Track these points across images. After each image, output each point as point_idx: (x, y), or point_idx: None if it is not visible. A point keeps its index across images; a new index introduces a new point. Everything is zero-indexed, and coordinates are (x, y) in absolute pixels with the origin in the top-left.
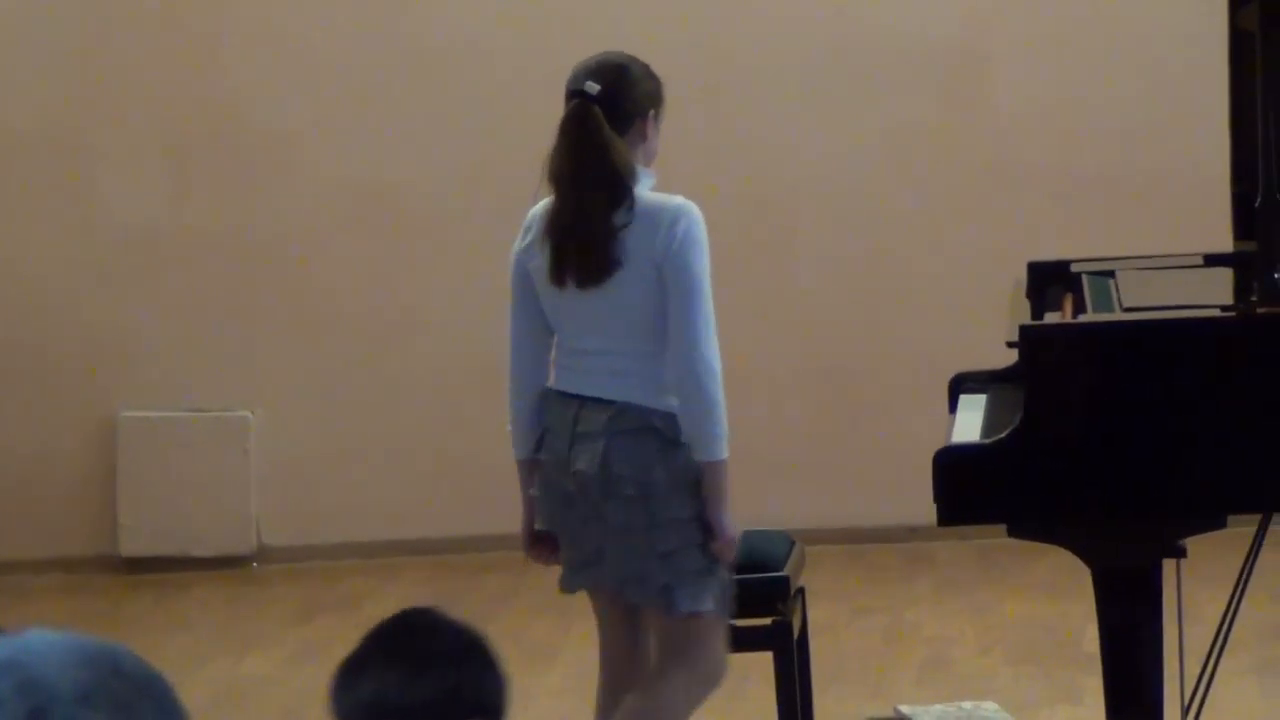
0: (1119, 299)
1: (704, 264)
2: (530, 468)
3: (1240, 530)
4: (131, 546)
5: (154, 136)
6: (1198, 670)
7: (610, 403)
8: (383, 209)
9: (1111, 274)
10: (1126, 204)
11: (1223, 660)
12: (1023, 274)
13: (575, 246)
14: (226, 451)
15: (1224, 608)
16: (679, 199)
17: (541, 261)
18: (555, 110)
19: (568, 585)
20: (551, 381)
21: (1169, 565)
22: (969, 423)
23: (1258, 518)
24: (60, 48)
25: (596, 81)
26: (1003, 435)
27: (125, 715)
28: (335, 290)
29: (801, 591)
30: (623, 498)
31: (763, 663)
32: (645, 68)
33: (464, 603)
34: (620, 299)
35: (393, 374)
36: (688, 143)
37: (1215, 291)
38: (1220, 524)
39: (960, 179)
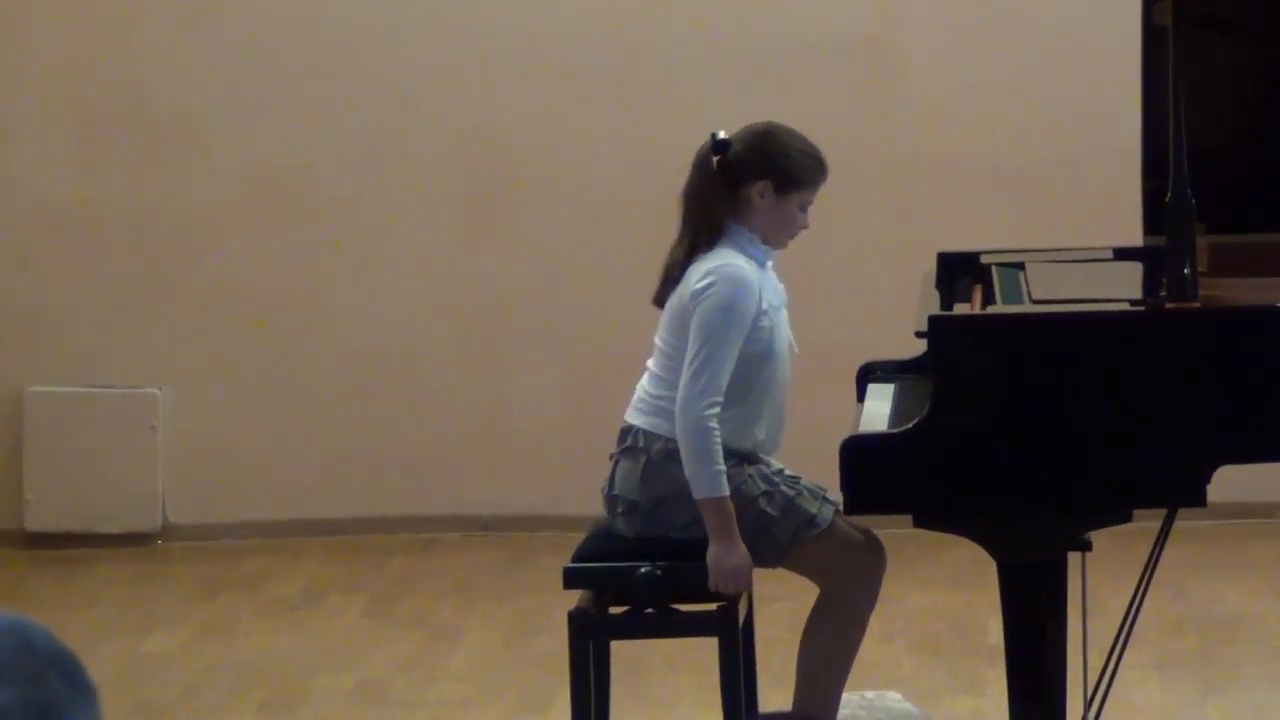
0: (1028, 291)
1: (719, 322)
2: None
3: (1145, 525)
4: (37, 522)
5: (63, 113)
6: (1100, 664)
7: (628, 427)
8: (292, 189)
9: (1021, 266)
10: (1038, 196)
11: (1125, 654)
12: (932, 264)
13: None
14: (133, 428)
15: (1127, 602)
16: (727, 262)
17: None
18: (464, 91)
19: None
20: None
21: (1074, 558)
22: (876, 412)
23: (1162, 512)
24: None
25: (731, 135)
26: (910, 425)
27: (35, 689)
28: (244, 269)
29: None
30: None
31: (691, 648)
32: (787, 143)
33: (367, 584)
34: (662, 330)
35: (300, 354)
36: (600, 136)
37: (1124, 286)
38: (1125, 518)
39: (871, 170)
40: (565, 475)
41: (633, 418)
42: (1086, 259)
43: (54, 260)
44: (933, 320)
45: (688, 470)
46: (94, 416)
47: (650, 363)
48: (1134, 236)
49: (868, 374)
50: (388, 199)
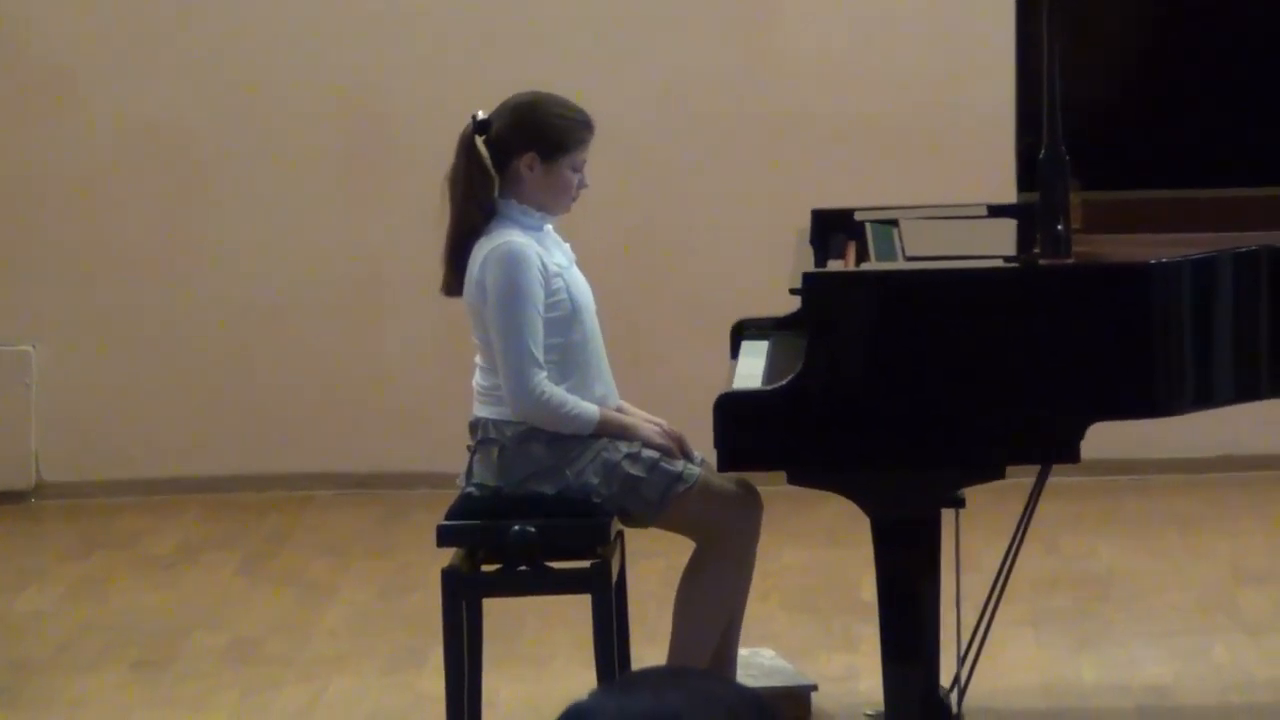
0: (902, 248)
1: (508, 305)
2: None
3: (1018, 481)
4: None
5: None
6: (974, 620)
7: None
8: (165, 145)
9: (895, 223)
10: (912, 152)
11: (999, 610)
12: (806, 221)
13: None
14: (6, 386)
15: (1001, 557)
16: (499, 243)
17: None
18: (340, 48)
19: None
20: None
21: (947, 515)
22: (750, 369)
23: (1036, 468)
24: None
25: (492, 113)
26: (783, 382)
27: None
28: (119, 226)
29: (621, 535)
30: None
31: (564, 605)
32: (547, 110)
33: (241, 542)
34: (472, 325)
35: (175, 311)
36: (470, 91)
37: (998, 243)
38: (999, 474)
39: (745, 126)
40: (439, 433)
41: (479, 410)
42: (960, 215)
43: None
44: (806, 277)
45: (564, 432)
46: None
47: (476, 358)
48: (1008, 193)
49: (741, 331)
50: (263, 156)
